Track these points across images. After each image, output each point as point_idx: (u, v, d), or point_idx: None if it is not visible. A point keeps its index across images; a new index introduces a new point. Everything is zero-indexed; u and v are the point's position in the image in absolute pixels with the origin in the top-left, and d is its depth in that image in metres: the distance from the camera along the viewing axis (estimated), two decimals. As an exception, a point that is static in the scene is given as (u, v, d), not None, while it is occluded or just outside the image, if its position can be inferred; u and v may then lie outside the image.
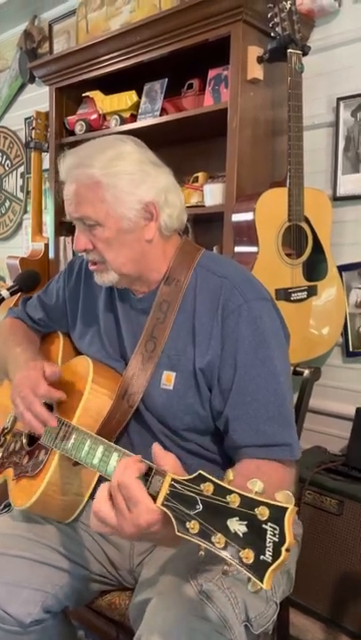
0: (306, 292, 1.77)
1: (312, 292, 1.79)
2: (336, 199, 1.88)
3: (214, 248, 1.99)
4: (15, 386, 1.12)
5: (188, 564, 0.97)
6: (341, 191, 1.87)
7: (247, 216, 1.68)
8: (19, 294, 1.69)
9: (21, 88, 3.23)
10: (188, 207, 1.99)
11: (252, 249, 1.68)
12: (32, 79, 3.09)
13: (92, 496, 1.14)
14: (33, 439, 1.21)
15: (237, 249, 1.76)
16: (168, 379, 1.08)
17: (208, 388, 1.07)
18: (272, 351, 1.04)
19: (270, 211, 1.67)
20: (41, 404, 1.08)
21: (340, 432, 1.87)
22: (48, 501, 1.10)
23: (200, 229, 2.16)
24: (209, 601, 0.91)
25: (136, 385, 1.11)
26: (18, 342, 1.30)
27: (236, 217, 1.74)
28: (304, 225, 1.74)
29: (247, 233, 1.69)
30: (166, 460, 0.83)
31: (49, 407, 1.21)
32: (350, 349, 1.90)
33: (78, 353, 1.30)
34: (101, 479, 1.11)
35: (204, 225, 2.14)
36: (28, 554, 1.11)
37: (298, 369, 1.45)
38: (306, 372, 1.44)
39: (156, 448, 0.85)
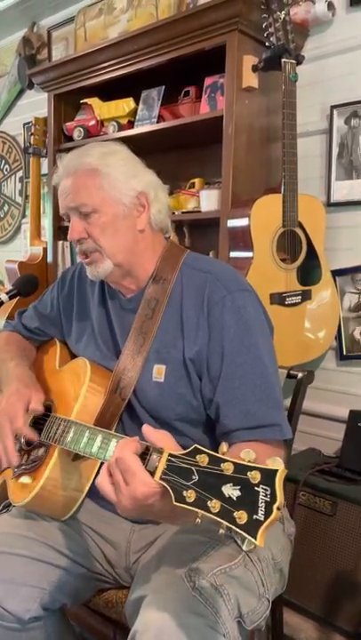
0: (300, 297, 1.80)
1: (306, 296, 1.82)
2: (330, 205, 1.91)
3: (210, 253, 2.02)
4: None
5: (182, 561, 1.00)
6: (335, 197, 1.91)
7: (242, 222, 1.71)
8: (17, 298, 1.71)
9: (20, 94, 3.26)
10: (184, 212, 2.04)
11: (248, 254, 1.71)
12: (31, 85, 3.12)
13: (90, 493, 1.17)
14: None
15: (233, 254, 1.78)
16: (159, 372, 1.13)
17: (198, 377, 1.11)
18: (256, 338, 1.09)
19: (265, 216, 1.70)
20: (12, 439, 1.14)
21: (334, 434, 1.90)
22: (47, 497, 1.13)
23: (196, 234, 2.19)
24: (202, 597, 0.93)
25: (127, 378, 1.15)
26: (11, 356, 1.33)
27: (232, 222, 1.77)
28: (298, 230, 1.77)
29: (242, 238, 1.72)
30: (158, 435, 0.86)
31: (47, 408, 1.24)
32: (344, 353, 1.93)
33: (74, 357, 1.33)
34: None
35: (201, 230, 2.17)
36: (27, 552, 1.13)
37: (292, 372, 1.48)
38: (300, 374, 1.47)
39: (146, 428, 0.87)
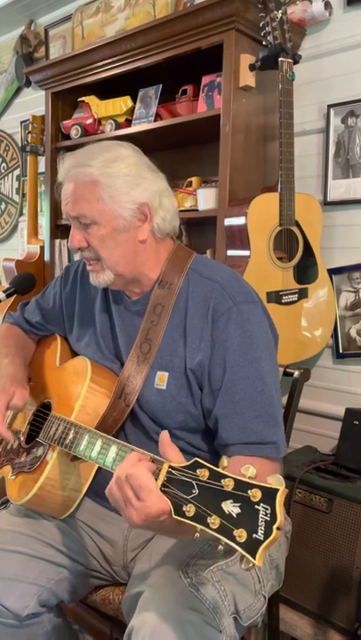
0: (297, 295, 1.81)
1: (303, 294, 1.82)
2: (326, 204, 1.91)
3: (207, 251, 2.02)
4: None
5: (179, 558, 1.00)
6: (332, 196, 1.91)
7: (239, 220, 1.71)
8: (14, 296, 1.71)
9: (17, 91, 3.26)
10: (181, 211, 2.04)
11: (244, 252, 1.71)
12: (28, 83, 3.12)
13: (88, 492, 1.18)
14: (31, 437, 1.24)
15: (230, 252, 1.79)
16: (161, 379, 1.12)
17: (199, 388, 1.10)
18: (260, 353, 1.07)
19: (262, 215, 1.70)
20: None
21: (330, 432, 1.91)
22: (46, 496, 1.13)
23: (193, 233, 2.20)
24: (199, 593, 0.94)
25: (132, 385, 1.14)
26: (6, 353, 1.32)
27: (229, 221, 1.77)
28: (295, 229, 1.77)
29: (239, 237, 1.73)
30: (171, 449, 0.86)
31: (46, 406, 1.24)
32: (340, 351, 1.94)
33: (75, 354, 1.33)
34: (98, 474, 1.15)
35: (198, 229, 2.17)
36: (25, 549, 1.14)
37: (288, 370, 1.49)
38: (296, 372, 1.48)
39: (165, 436, 0.87)
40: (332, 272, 1.91)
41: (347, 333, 1.92)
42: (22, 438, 1.27)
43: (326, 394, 1.96)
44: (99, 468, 1.15)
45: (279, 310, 1.75)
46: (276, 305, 1.74)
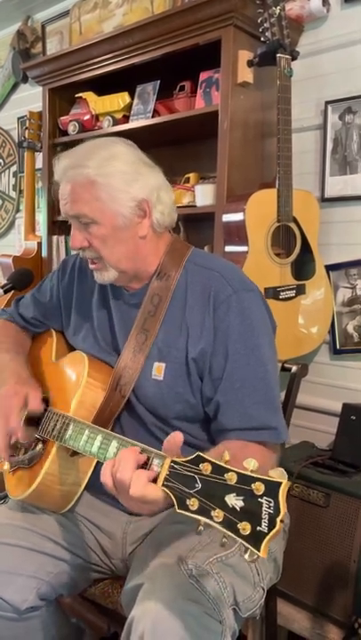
0: (294, 291, 1.81)
1: (300, 290, 1.83)
2: (324, 200, 1.92)
3: (205, 247, 2.03)
4: None
5: (178, 551, 1.01)
6: (329, 192, 1.92)
7: (237, 216, 1.72)
8: (12, 292, 1.71)
9: (14, 87, 3.25)
10: (179, 207, 2.04)
11: (242, 248, 1.72)
12: (25, 79, 3.11)
13: (87, 486, 1.18)
14: None
15: (228, 248, 1.79)
16: (158, 370, 1.13)
17: (199, 377, 1.11)
18: (260, 340, 1.09)
19: (260, 211, 1.70)
20: (6, 439, 1.12)
21: (327, 427, 1.92)
22: (45, 491, 1.13)
23: (192, 229, 2.20)
24: (199, 585, 0.94)
25: (127, 376, 1.15)
26: (7, 348, 1.32)
27: (227, 217, 1.77)
28: (293, 225, 1.78)
29: (237, 233, 1.73)
30: (174, 449, 0.86)
31: (44, 401, 1.24)
32: (337, 347, 1.95)
33: (71, 349, 1.33)
34: (97, 468, 1.15)
35: (196, 225, 2.18)
36: (24, 542, 1.14)
37: (286, 365, 1.50)
38: (294, 368, 1.49)
39: (178, 437, 0.86)
40: (330, 268, 1.91)
41: (344, 329, 1.93)
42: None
43: (324, 389, 1.97)
44: (98, 461, 1.16)
45: (277, 306, 1.76)
46: (273, 301, 1.75)
